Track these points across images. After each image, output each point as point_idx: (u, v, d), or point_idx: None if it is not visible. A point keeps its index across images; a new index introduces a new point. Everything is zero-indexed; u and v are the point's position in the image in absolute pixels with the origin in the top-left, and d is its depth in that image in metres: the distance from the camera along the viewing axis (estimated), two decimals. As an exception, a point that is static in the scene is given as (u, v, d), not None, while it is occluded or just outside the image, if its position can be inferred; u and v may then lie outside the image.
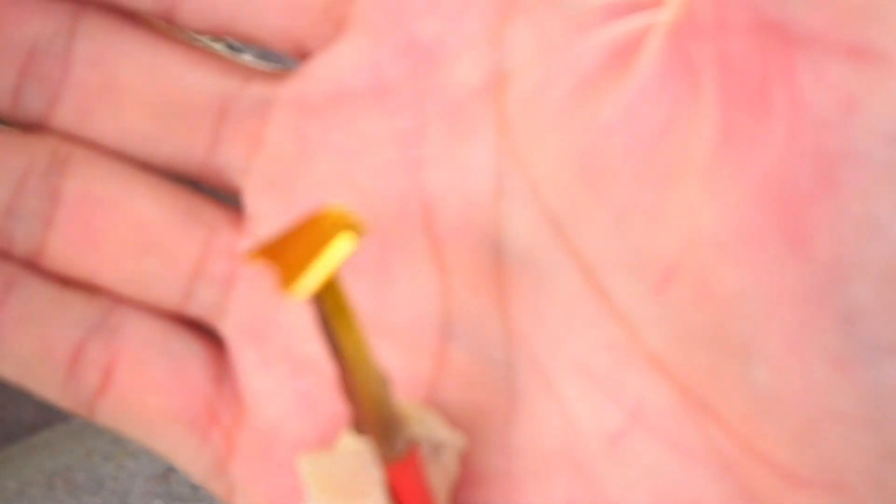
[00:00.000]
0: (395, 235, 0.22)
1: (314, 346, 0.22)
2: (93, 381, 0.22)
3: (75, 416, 0.67)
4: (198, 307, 0.22)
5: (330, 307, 0.17)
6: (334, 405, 0.22)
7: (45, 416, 0.66)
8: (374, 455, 0.20)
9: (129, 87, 0.22)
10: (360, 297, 0.22)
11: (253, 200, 0.22)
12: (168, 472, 0.67)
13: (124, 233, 0.22)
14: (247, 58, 0.24)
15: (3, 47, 0.22)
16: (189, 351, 0.22)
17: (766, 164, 0.18)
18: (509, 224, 0.21)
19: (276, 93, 0.22)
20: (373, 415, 0.19)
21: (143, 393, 0.22)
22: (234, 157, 0.22)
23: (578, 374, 0.21)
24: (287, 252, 0.16)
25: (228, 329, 0.22)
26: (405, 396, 0.21)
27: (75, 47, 0.22)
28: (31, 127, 0.23)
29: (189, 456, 0.22)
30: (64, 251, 0.22)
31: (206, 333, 0.23)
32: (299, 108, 0.22)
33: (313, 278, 0.16)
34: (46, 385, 0.22)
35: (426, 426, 0.20)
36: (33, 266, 0.23)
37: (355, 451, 0.20)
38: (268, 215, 0.22)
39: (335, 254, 0.16)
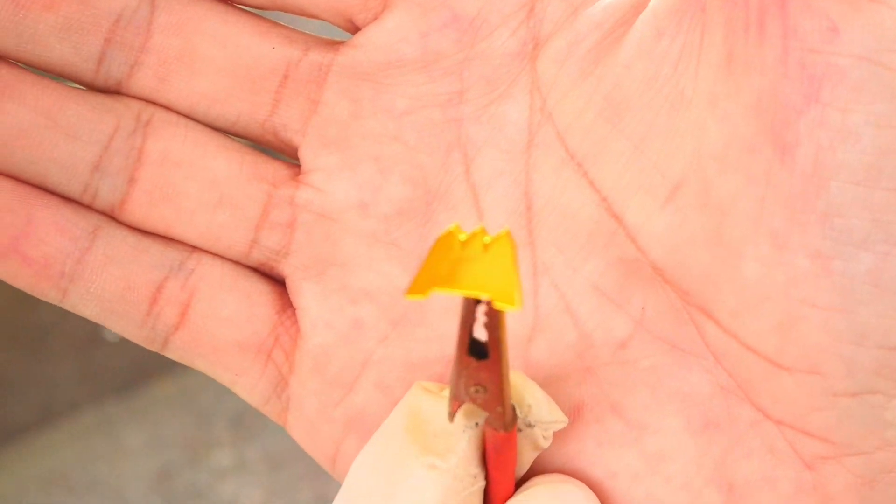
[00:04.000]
0: (439, 184, 0.25)
1: (365, 280, 0.25)
2: (170, 317, 0.25)
3: (73, 417, 0.67)
4: (262, 252, 0.25)
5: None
6: (380, 329, 0.25)
7: (43, 417, 0.66)
8: (474, 418, 0.22)
9: (204, 54, 0.25)
10: (405, 239, 0.25)
11: (310, 156, 0.25)
12: (166, 473, 0.67)
13: (199, 189, 0.25)
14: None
15: (91, 17, 0.25)
16: (255, 287, 0.25)
17: (761, 83, 0.21)
18: (538, 170, 0.24)
19: (333, 60, 0.25)
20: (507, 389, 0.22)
21: (215, 327, 0.25)
22: (293, 118, 0.25)
23: (592, 291, 0.24)
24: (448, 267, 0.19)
25: (290, 269, 0.25)
26: (517, 371, 0.24)
27: (156, 17, 0.25)
28: (109, 91, 0.25)
29: (252, 381, 0.25)
30: (144, 206, 0.25)
31: (268, 274, 0.26)
32: (353, 74, 0.25)
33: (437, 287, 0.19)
34: (126, 322, 0.25)
35: (533, 401, 0.23)
36: (114, 219, 0.25)
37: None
38: (324, 169, 0.25)
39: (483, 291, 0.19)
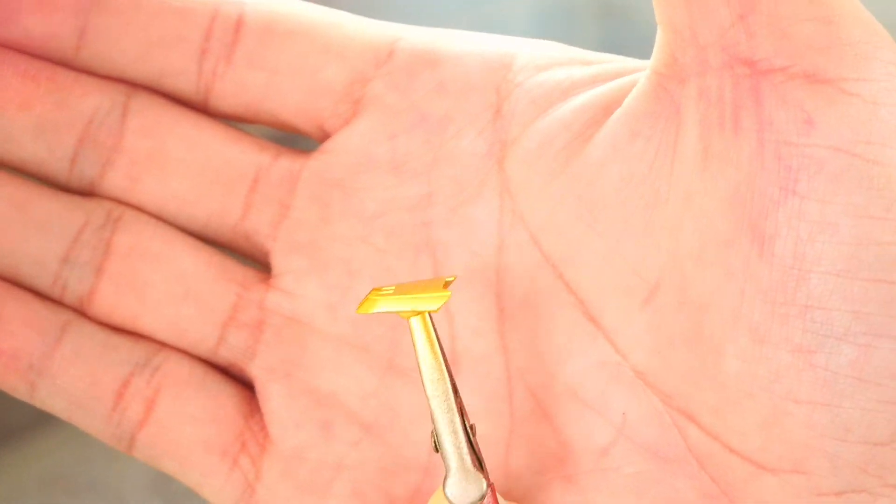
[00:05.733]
0: None
1: (333, 383, 0.25)
2: (135, 413, 0.25)
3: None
4: (229, 351, 0.25)
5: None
6: (351, 433, 0.25)
7: (42, 419, 0.66)
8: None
9: (175, 156, 0.25)
10: (376, 343, 0.25)
11: (280, 260, 0.25)
12: (166, 474, 0.66)
13: (166, 282, 0.25)
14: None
15: (64, 118, 0.25)
16: (222, 389, 0.25)
17: (737, 177, 0.21)
18: (510, 273, 0.24)
19: (304, 165, 0.25)
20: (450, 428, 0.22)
21: (181, 424, 0.25)
22: (264, 223, 0.25)
23: (571, 398, 0.23)
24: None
25: (257, 370, 0.25)
26: None
27: (128, 120, 0.25)
28: (82, 192, 0.26)
29: (218, 484, 0.25)
30: (111, 297, 0.25)
31: (235, 377, 0.26)
32: (323, 179, 0.25)
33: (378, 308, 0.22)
34: (91, 419, 0.25)
35: None
36: (83, 313, 0.25)
37: None
38: (294, 272, 0.25)
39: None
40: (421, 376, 0.22)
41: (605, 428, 0.23)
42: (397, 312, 0.22)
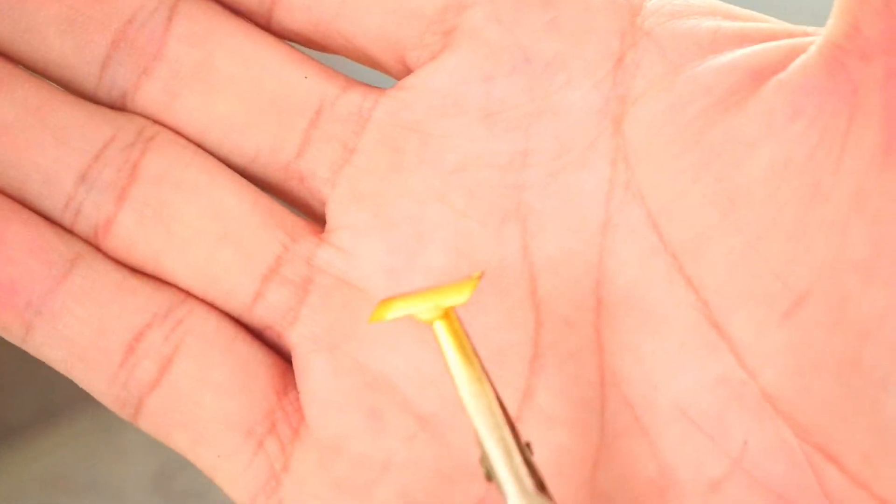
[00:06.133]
0: (488, 259, 0.21)
1: (387, 364, 0.21)
2: (147, 373, 0.21)
3: (72, 417, 0.67)
4: (267, 310, 0.21)
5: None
6: (405, 426, 0.21)
7: (42, 418, 0.65)
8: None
9: (225, 73, 0.22)
10: None
11: (337, 211, 0.21)
12: (166, 473, 0.66)
13: (200, 219, 0.21)
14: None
15: (99, 13, 0.22)
16: (253, 355, 0.21)
17: None
18: (615, 257, 0.20)
19: (377, 102, 0.22)
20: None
21: (200, 391, 0.21)
22: (323, 165, 0.22)
23: (678, 417, 0.20)
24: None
25: (297, 338, 0.21)
26: None
27: (175, 24, 0.22)
28: (112, 105, 0.22)
29: (237, 469, 0.21)
30: (132, 229, 0.21)
31: (270, 343, 0.22)
32: (398, 121, 0.21)
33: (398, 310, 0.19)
34: (93, 375, 0.21)
35: None
36: (97, 246, 0.22)
37: None
38: (352, 228, 0.21)
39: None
40: (456, 390, 0.19)
41: (719, 457, 0.20)
42: (416, 315, 0.19)
